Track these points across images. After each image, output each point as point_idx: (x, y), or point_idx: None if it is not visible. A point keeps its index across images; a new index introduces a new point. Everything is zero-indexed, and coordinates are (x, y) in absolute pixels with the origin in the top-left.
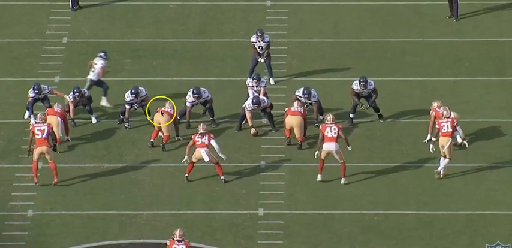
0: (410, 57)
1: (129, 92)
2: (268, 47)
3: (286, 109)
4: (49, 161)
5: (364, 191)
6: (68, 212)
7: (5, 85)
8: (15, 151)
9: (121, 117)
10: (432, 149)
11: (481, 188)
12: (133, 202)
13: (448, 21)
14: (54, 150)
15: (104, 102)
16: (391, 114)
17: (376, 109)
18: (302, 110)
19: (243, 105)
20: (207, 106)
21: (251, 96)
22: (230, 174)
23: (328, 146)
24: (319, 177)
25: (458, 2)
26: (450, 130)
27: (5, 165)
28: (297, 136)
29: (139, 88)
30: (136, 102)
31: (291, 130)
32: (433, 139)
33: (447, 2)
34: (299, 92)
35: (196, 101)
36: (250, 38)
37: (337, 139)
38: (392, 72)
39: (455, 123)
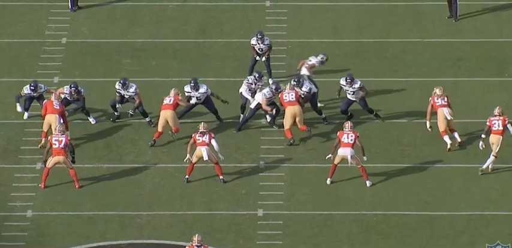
0: (410, 57)
1: (118, 82)
2: (268, 49)
3: (280, 96)
4: (69, 169)
5: (364, 191)
6: (67, 213)
7: (4, 85)
8: (15, 151)
9: (115, 114)
10: (482, 146)
11: (481, 188)
12: (133, 202)
13: (448, 22)
14: (73, 162)
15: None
16: (391, 114)
17: (371, 111)
18: (295, 96)
19: (255, 99)
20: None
21: (245, 92)
22: (230, 174)
23: (344, 151)
24: (328, 181)
25: (458, 2)
26: (501, 128)
27: (4, 165)
28: (299, 126)
29: (130, 84)
30: (124, 95)
31: (290, 128)
32: (483, 136)
33: (446, 3)
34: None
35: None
36: (250, 39)
37: (353, 145)
38: (392, 72)
39: (506, 121)
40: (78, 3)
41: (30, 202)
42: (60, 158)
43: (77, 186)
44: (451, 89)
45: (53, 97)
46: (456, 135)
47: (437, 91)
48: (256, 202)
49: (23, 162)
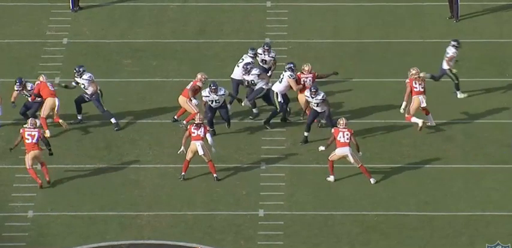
0: (411, 57)
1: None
2: (273, 63)
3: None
4: (40, 162)
5: (365, 191)
6: (68, 213)
7: (5, 85)
8: (16, 151)
9: (78, 118)
10: None
11: (481, 189)
12: (134, 202)
13: (448, 22)
14: (51, 154)
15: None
16: (391, 114)
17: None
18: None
19: (273, 89)
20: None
21: (254, 69)
22: (230, 174)
23: (342, 151)
24: (332, 178)
25: (459, 3)
26: None
27: (5, 165)
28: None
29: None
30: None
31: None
32: None
33: (447, 3)
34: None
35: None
36: (250, 39)
37: (349, 143)
38: (393, 73)
39: None
40: (79, 4)
41: (30, 202)
42: (36, 152)
43: (47, 179)
44: (452, 89)
45: (42, 78)
46: (431, 116)
47: (414, 72)
48: (257, 203)
49: (24, 163)
